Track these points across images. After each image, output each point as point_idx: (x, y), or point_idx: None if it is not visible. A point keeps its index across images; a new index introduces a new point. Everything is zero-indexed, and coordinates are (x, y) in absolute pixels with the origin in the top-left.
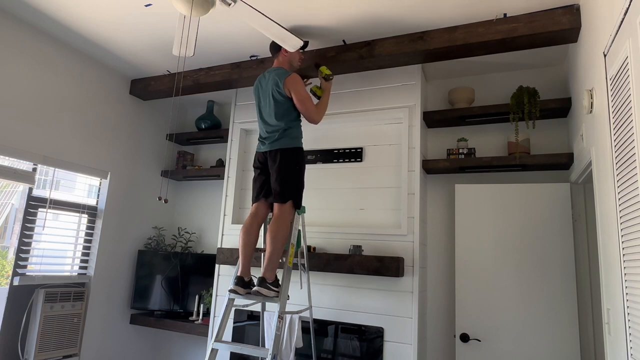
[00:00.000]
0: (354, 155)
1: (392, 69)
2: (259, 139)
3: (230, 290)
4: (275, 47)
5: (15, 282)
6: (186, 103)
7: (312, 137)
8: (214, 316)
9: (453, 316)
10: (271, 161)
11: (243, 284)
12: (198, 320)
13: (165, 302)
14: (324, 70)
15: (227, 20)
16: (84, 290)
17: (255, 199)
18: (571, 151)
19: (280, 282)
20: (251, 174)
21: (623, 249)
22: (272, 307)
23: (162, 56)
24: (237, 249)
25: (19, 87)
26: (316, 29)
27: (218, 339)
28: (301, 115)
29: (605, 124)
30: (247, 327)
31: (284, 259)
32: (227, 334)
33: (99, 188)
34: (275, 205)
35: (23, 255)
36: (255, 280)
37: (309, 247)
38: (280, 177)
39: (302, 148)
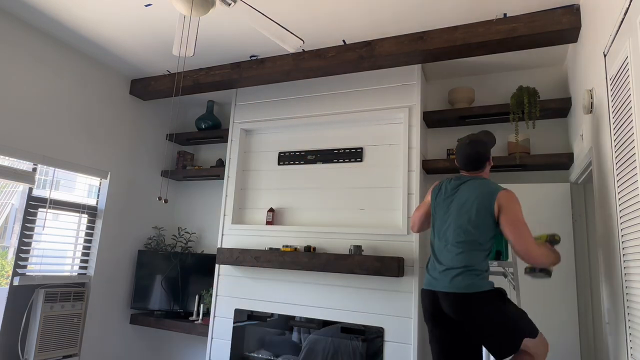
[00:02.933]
0: (354, 155)
1: (392, 69)
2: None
3: None
4: (478, 161)
5: (15, 282)
6: (186, 103)
7: (312, 137)
8: (214, 316)
9: None
10: (453, 313)
11: None
12: (198, 320)
13: (165, 302)
14: (544, 236)
15: (227, 20)
16: (84, 290)
17: None
18: (571, 151)
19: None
20: (251, 174)
21: (623, 249)
22: None
23: (162, 56)
24: (237, 249)
25: (19, 87)
26: (316, 28)
27: None
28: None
29: (605, 124)
30: (247, 327)
31: None
32: (227, 334)
33: (99, 188)
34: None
35: (23, 255)
36: None
37: (309, 247)
38: (489, 338)
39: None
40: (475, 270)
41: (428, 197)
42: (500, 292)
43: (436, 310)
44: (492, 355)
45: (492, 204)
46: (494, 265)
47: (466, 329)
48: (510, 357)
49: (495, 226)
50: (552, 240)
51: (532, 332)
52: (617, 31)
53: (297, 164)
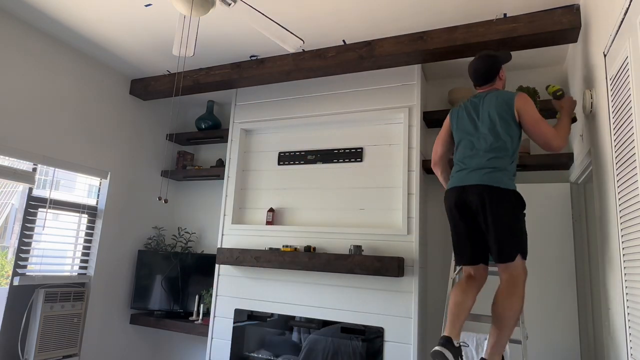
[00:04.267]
0: (354, 155)
1: (392, 69)
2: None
3: (435, 352)
4: (487, 73)
5: (15, 282)
6: (186, 103)
7: (312, 137)
8: (214, 316)
9: None
10: (479, 201)
11: (453, 348)
12: (198, 320)
13: (165, 302)
14: (551, 88)
15: (227, 20)
16: (84, 290)
17: (462, 261)
18: (571, 151)
19: None
20: (251, 174)
21: (623, 249)
22: None
23: (162, 56)
24: (237, 249)
25: (19, 87)
26: (316, 29)
27: None
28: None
29: (605, 124)
30: (247, 327)
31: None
32: (227, 334)
33: (99, 188)
34: (500, 266)
35: (23, 255)
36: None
37: (309, 247)
38: (499, 228)
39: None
40: (504, 171)
41: (446, 123)
42: (522, 201)
43: (460, 204)
44: (493, 255)
45: (512, 110)
46: (493, 264)
47: (483, 219)
48: (502, 269)
49: (518, 129)
50: (556, 96)
51: (525, 253)
52: (617, 31)
53: (297, 164)
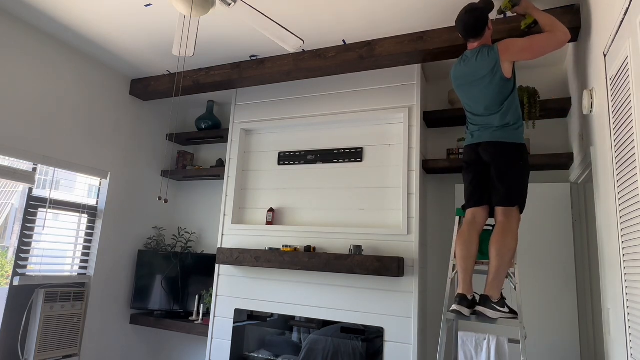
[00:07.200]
0: (354, 155)
1: (392, 69)
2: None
3: (452, 311)
4: (476, 27)
5: (15, 282)
6: (186, 103)
7: (312, 137)
8: (214, 316)
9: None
10: (489, 156)
11: (467, 303)
12: (198, 320)
13: (165, 302)
14: (505, 2)
15: (227, 20)
16: (84, 290)
17: (470, 204)
18: (571, 151)
19: (507, 301)
20: (251, 174)
21: (623, 249)
22: (489, 330)
23: (162, 56)
24: (237, 249)
25: (19, 87)
26: (316, 29)
27: None
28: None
29: (605, 124)
30: (247, 327)
31: (512, 270)
32: (227, 334)
33: (99, 188)
34: (499, 210)
35: (23, 255)
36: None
37: (309, 247)
38: (505, 176)
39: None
40: (511, 126)
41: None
42: (526, 157)
43: (476, 158)
44: (498, 199)
45: (499, 72)
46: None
47: (493, 169)
48: (501, 213)
49: (511, 83)
50: (514, 3)
51: (522, 208)
52: (617, 31)
53: (297, 164)
